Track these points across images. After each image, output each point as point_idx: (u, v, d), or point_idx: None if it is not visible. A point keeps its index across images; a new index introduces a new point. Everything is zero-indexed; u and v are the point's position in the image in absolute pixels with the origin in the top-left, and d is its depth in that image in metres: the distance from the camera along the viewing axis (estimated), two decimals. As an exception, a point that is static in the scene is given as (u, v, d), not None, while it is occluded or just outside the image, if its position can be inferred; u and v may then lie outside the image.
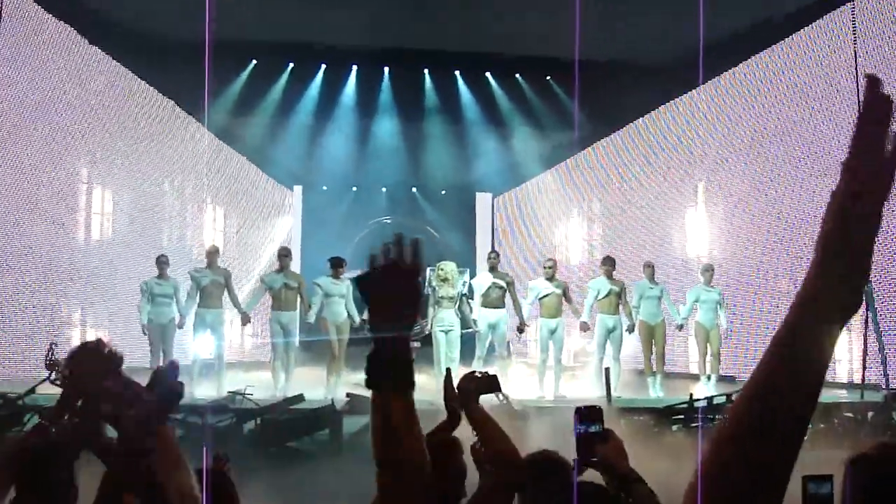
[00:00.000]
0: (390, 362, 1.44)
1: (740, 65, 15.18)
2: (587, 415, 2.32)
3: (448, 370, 3.12)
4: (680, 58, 14.71)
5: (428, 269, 12.91)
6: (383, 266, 1.45)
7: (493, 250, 15.31)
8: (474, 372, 3.03)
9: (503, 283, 12.76)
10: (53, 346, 5.79)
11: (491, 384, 2.95)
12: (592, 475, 2.35)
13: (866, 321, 11.32)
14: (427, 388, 2.91)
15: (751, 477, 1.09)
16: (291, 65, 17.65)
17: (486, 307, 12.66)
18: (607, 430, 2.30)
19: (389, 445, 1.44)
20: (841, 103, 12.97)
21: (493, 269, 12.92)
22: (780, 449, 1.10)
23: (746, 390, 1.13)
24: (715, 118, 15.93)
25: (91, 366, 2.35)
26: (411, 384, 1.44)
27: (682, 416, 10.04)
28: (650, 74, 16.12)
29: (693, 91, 16.08)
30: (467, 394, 2.91)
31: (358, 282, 1.46)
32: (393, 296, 1.44)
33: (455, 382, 2.99)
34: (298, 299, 12.53)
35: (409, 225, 21.53)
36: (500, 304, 12.74)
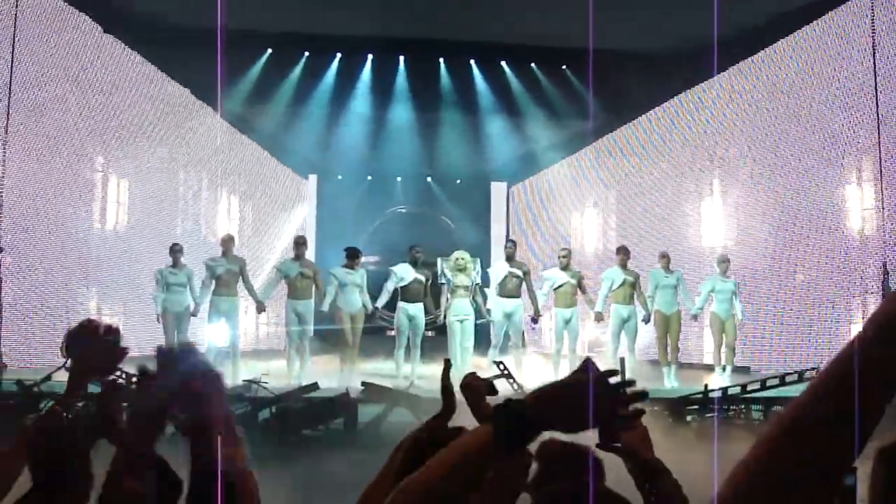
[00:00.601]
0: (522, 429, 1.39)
1: (757, 54, 15.09)
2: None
3: (447, 361, 3.10)
4: (695, 48, 14.64)
5: (440, 260, 12.96)
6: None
7: (509, 239, 15.36)
8: (475, 373, 3.00)
9: (520, 273, 12.85)
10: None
11: (490, 388, 2.92)
12: (612, 463, 2.31)
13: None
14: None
15: (805, 476, 1.05)
16: (307, 54, 17.64)
17: (502, 296, 12.72)
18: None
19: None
20: (858, 93, 12.88)
21: (509, 258, 12.99)
22: (840, 452, 1.06)
23: (816, 388, 1.08)
24: (731, 108, 15.85)
25: (90, 343, 2.37)
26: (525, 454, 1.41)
27: (696, 407, 10.08)
28: (665, 64, 16.06)
29: (709, 81, 16.01)
30: (478, 392, 2.89)
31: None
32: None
33: (460, 374, 2.96)
34: (314, 288, 12.58)
35: (424, 214, 21.57)
36: (516, 294, 12.81)
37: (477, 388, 2.87)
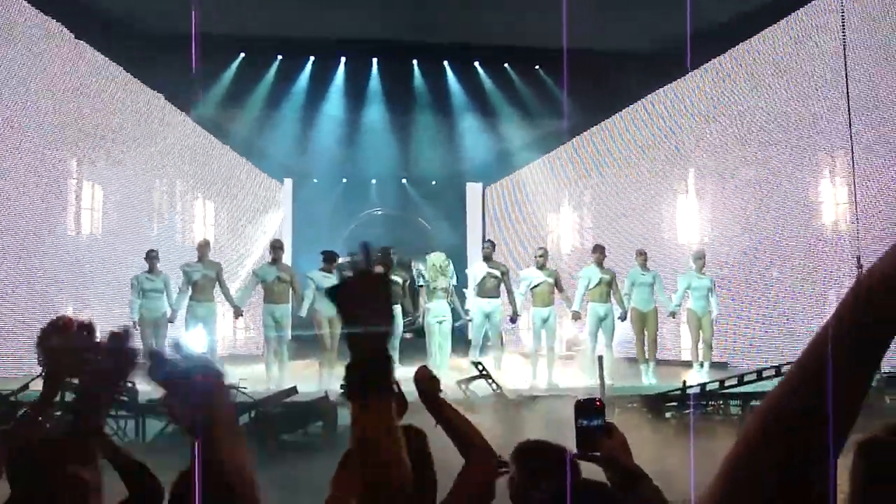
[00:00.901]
0: (368, 370, 1.42)
1: (729, 51, 15.19)
2: (589, 408, 2.19)
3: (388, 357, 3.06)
4: (668, 46, 14.70)
5: (416, 262, 12.96)
6: (351, 276, 1.44)
7: (487, 240, 15.37)
8: (425, 367, 2.97)
9: (498, 273, 12.88)
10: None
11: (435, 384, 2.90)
12: (590, 471, 2.30)
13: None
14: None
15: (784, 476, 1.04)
16: (280, 57, 17.59)
17: (481, 297, 12.74)
18: (610, 423, 2.20)
19: (368, 461, 1.41)
20: (831, 88, 12.98)
21: (487, 258, 13.03)
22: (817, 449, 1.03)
23: (791, 378, 1.06)
24: (704, 105, 15.94)
25: (61, 341, 2.29)
26: (390, 391, 1.42)
27: (675, 404, 10.09)
28: (638, 62, 16.13)
29: (682, 78, 16.10)
30: (435, 388, 2.86)
31: (331, 294, 1.45)
32: (363, 304, 1.42)
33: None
34: (291, 292, 12.56)
35: (400, 216, 21.53)
36: (495, 294, 12.83)
37: (433, 387, 2.86)
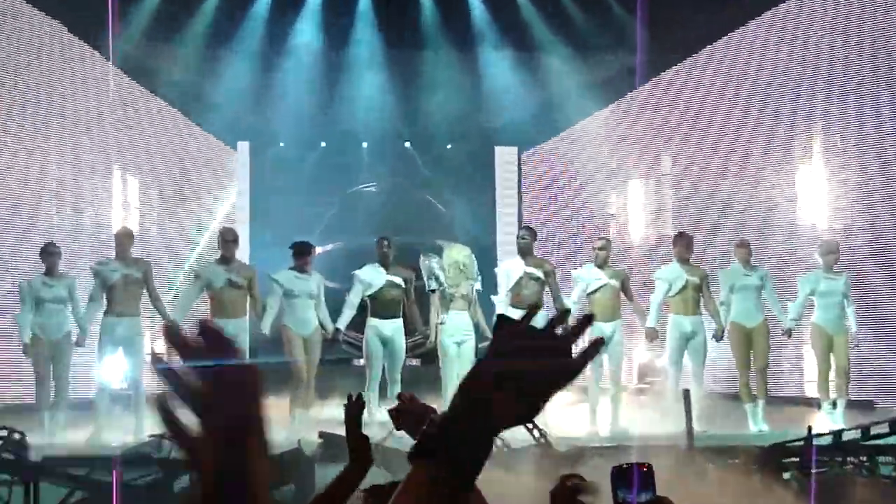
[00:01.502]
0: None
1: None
2: (632, 477, 2.19)
3: (352, 396, 3.08)
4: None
5: (426, 258, 12.92)
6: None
7: (525, 227, 15.25)
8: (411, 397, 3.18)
9: (540, 273, 12.85)
10: None
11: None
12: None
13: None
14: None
15: None
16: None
17: (516, 307, 12.60)
18: (662, 498, 2.13)
19: None
20: None
21: (524, 253, 13.00)
22: None
23: None
24: (840, 33, 15.74)
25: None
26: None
27: (796, 459, 9.96)
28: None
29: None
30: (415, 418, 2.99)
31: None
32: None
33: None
34: (249, 301, 12.60)
35: (402, 193, 21.47)
36: (535, 303, 12.67)
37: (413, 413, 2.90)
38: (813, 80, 16.24)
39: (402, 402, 2.97)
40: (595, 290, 12.83)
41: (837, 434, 10.24)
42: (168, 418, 1.52)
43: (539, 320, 1.51)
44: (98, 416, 11.72)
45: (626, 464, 2.18)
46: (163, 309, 12.73)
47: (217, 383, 1.44)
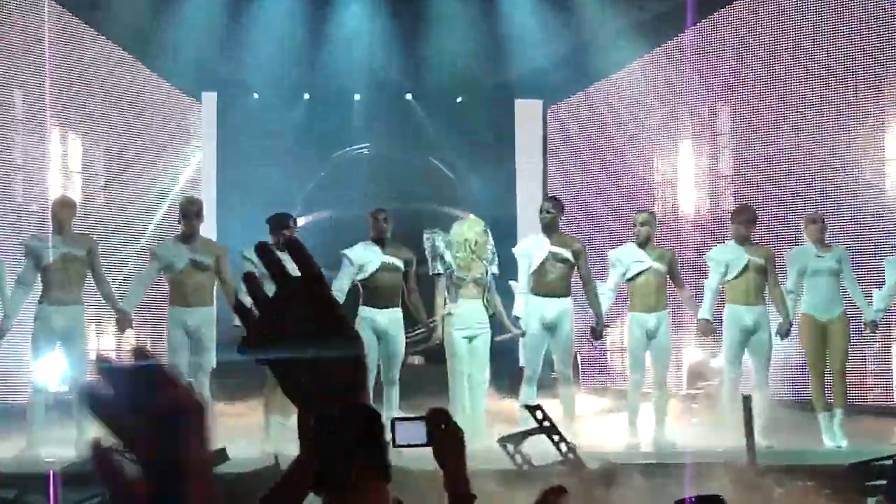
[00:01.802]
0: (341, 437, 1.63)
1: None
2: None
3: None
4: None
5: (430, 234, 12.88)
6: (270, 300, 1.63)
7: (550, 197, 15.24)
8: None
9: (568, 254, 12.86)
10: None
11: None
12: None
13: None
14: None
15: None
16: None
17: (539, 294, 12.73)
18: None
19: None
20: None
21: (550, 228, 12.98)
22: None
23: None
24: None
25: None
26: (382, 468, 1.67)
27: (883, 482, 9.88)
28: None
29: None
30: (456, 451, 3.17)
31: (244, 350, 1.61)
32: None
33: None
34: (216, 287, 12.63)
35: (402, 156, 21.47)
36: (562, 290, 12.90)
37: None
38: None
39: None
40: (636, 276, 12.87)
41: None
42: (104, 469, 1.49)
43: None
44: (32, 425, 11.71)
45: (698, 497, 2.08)
46: (110, 295, 12.73)
47: (151, 422, 1.43)
